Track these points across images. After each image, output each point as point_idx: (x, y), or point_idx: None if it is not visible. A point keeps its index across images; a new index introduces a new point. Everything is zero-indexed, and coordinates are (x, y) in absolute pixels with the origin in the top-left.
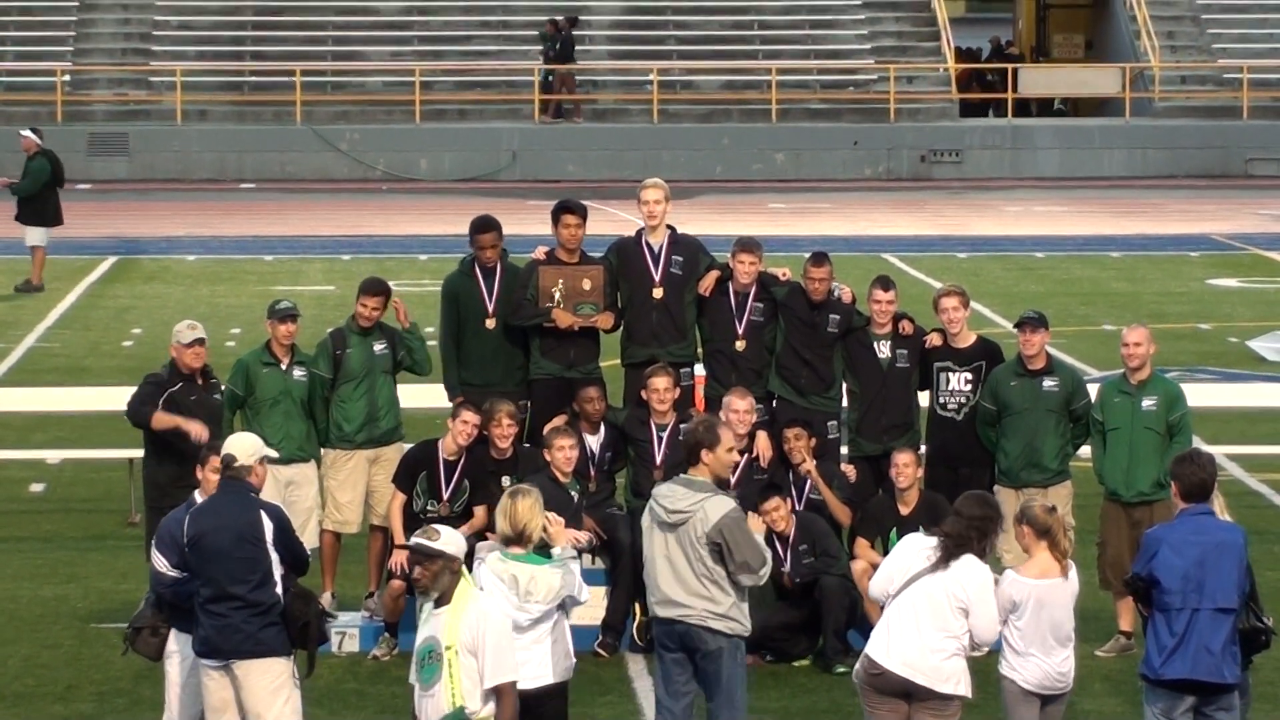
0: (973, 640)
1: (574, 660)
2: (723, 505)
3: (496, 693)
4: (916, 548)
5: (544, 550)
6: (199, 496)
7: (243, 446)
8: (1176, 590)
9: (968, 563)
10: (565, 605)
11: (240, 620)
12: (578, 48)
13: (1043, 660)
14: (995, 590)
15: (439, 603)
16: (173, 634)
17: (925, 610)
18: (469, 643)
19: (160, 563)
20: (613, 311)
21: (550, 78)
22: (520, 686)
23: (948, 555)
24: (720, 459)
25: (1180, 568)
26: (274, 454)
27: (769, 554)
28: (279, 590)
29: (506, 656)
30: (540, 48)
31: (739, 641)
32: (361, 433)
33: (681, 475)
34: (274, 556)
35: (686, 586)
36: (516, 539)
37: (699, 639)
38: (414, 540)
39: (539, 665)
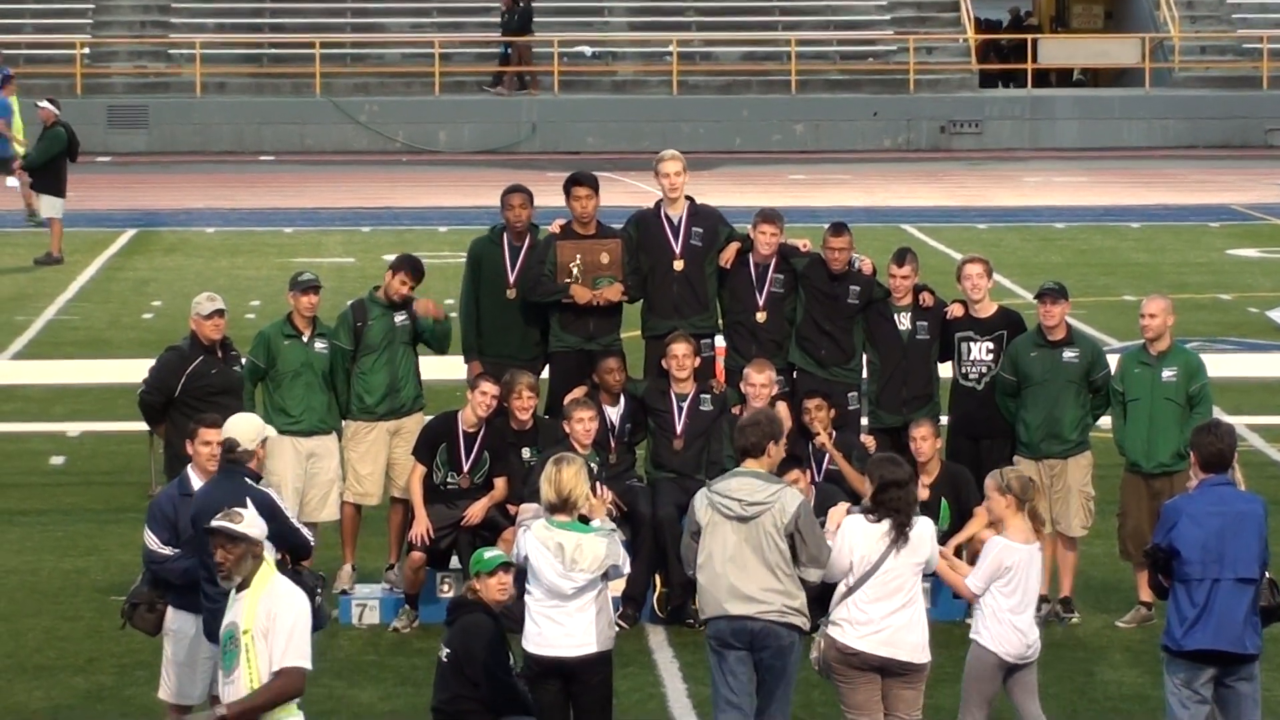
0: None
1: (616, 629)
2: (797, 497)
3: (278, 674)
4: (868, 533)
5: (582, 522)
6: (191, 472)
7: (245, 431)
8: (1197, 561)
9: (919, 525)
10: (608, 574)
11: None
12: (599, 19)
13: (1023, 630)
14: (985, 555)
15: (240, 587)
16: (171, 612)
17: (895, 590)
18: (264, 627)
19: (151, 540)
20: (633, 281)
21: (509, 50)
22: (565, 655)
23: (904, 531)
24: (781, 450)
25: (1200, 538)
26: (273, 432)
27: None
28: None
29: (298, 643)
30: (500, 19)
31: (801, 637)
32: (383, 404)
33: (743, 469)
34: None
35: (761, 582)
36: (562, 506)
37: (773, 635)
38: (216, 523)
39: (584, 634)
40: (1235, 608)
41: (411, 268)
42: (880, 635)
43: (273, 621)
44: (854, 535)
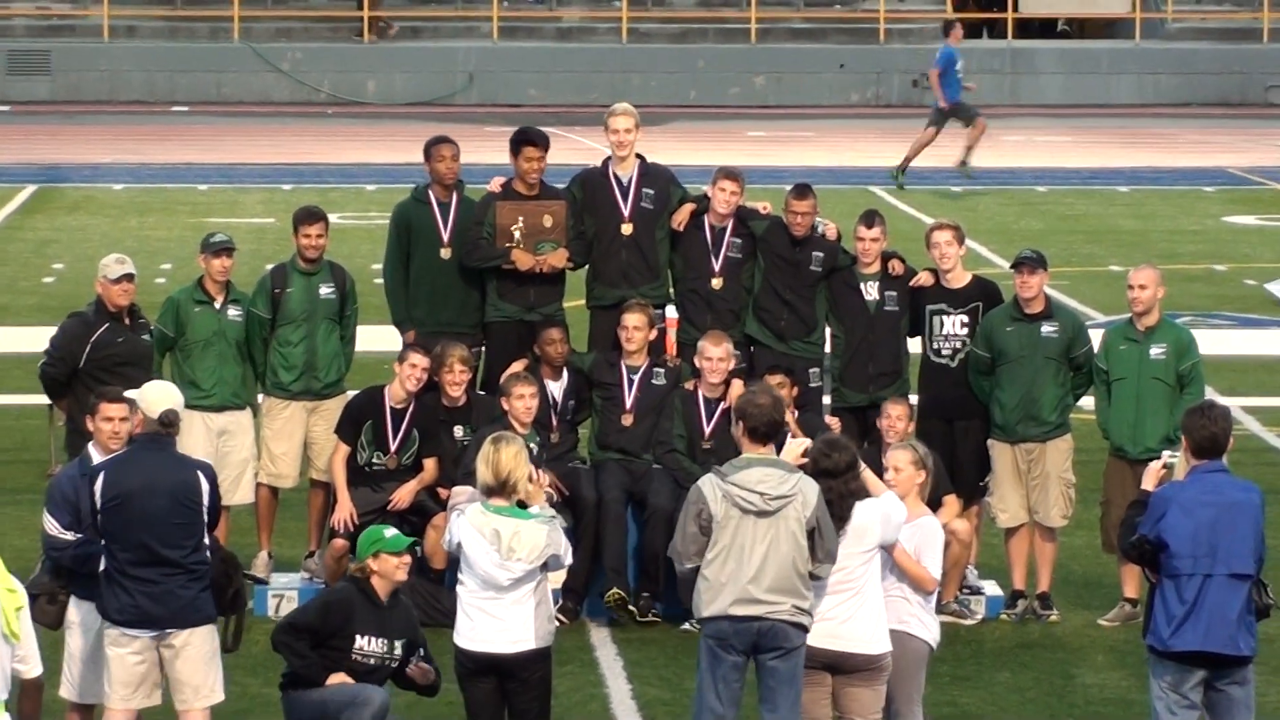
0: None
1: (556, 624)
2: (814, 485)
3: None
4: None
5: (521, 508)
6: (93, 450)
7: (178, 399)
8: (1187, 554)
9: (862, 512)
10: (548, 565)
11: (177, 586)
12: None
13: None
14: (932, 541)
15: None
16: (74, 603)
17: (840, 581)
18: None
19: (52, 525)
20: (577, 247)
21: None
22: (500, 651)
23: (844, 518)
24: None
25: (1191, 530)
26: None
27: None
28: (207, 554)
29: None
30: None
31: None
32: (298, 383)
33: (757, 455)
34: (205, 519)
35: (772, 582)
36: (499, 489)
37: (783, 637)
38: None
39: (521, 629)
40: (1227, 606)
41: (306, 218)
42: (825, 627)
43: None
44: None
